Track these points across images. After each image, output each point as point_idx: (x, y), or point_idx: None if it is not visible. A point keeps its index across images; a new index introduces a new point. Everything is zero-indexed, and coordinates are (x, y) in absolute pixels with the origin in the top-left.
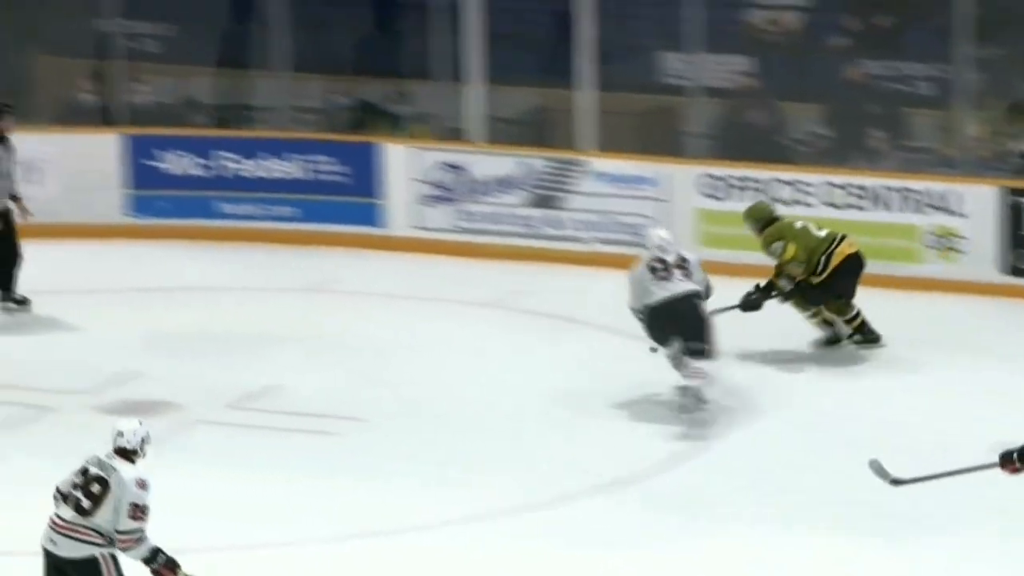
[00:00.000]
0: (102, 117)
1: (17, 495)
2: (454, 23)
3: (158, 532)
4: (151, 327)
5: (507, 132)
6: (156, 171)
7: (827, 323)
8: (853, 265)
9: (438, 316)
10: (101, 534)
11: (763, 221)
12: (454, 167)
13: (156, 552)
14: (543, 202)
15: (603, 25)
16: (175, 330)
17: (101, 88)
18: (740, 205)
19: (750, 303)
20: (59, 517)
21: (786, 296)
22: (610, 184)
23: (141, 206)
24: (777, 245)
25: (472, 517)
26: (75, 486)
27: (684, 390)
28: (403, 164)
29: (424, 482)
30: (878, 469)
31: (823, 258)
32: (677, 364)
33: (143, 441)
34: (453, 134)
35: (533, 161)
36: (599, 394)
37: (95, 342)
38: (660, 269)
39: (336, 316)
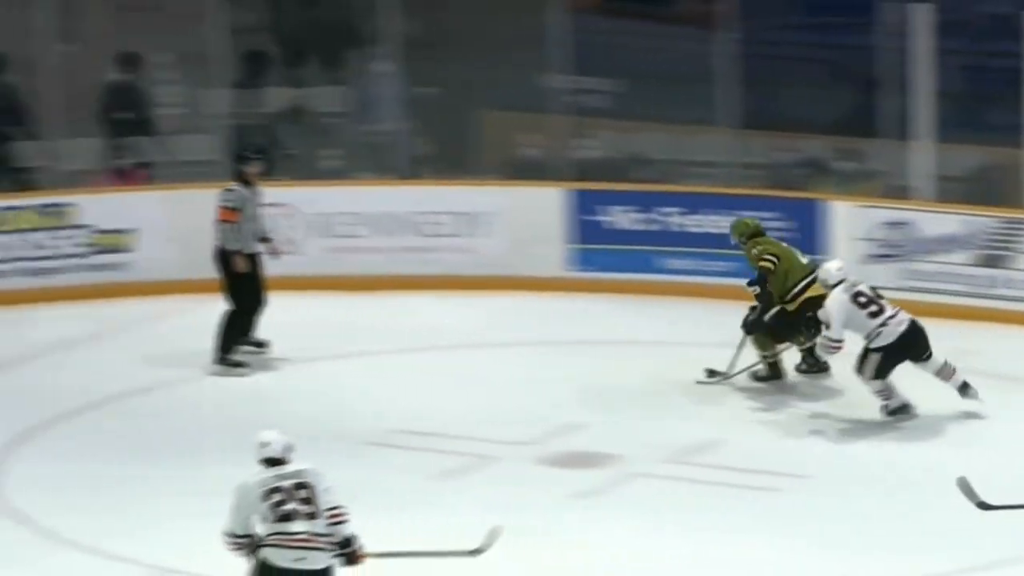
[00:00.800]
0: (547, 172)
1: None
2: (902, 81)
3: None
4: (593, 380)
5: (954, 190)
6: (599, 225)
7: (774, 364)
8: (819, 304)
9: None
10: (329, 536)
11: (747, 235)
12: (900, 225)
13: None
14: (991, 261)
15: None
16: (616, 383)
17: (546, 143)
18: None
19: (747, 324)
20: (296, 535)
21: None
22: None
23: (584, 260)
24: (757, 248)
25: None
26: (280, 504)
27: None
28: (847, 221)
29: (859, 541)
30: (966, 489)
31: (801, 284)
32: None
33: (286, 448)
34: (898, 192)
35: (981, 220)
36: None
37: (538, 394)
38: (868, 303)
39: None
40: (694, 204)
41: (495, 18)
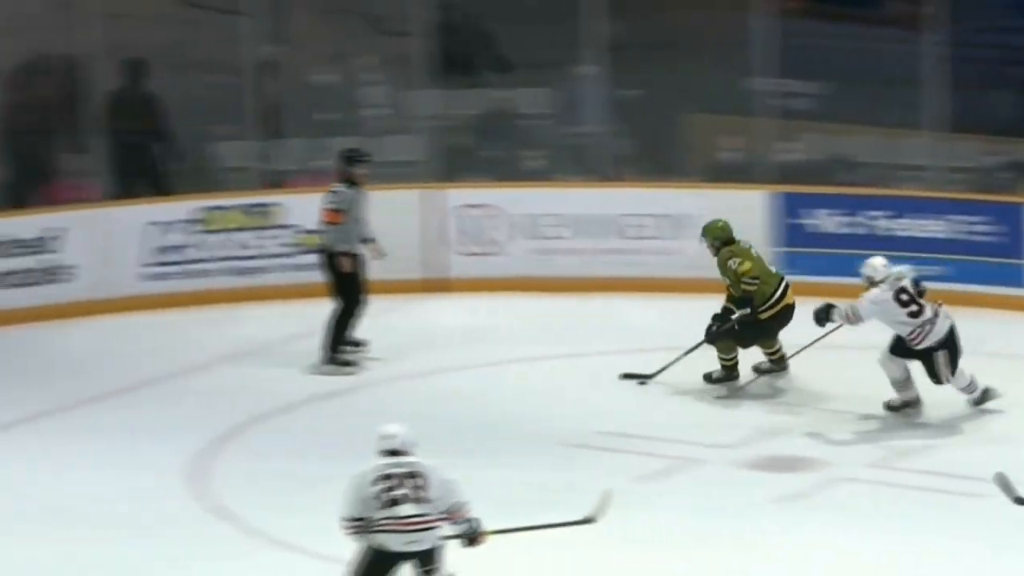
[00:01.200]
0: (751, 174)
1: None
2: None
3: None
4: (797, 384)
5: None
6: (804, 229)
7: (732, 368)
8: (790, 314)
9: None
10: (438, 516)
11: (722, 239)
12: None
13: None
14: None
15: None
16: (821, 387)
17: (749, 145)
18: None
19: (712, 335)
20: (406, 519)
21: (737, 323)
22: None
23: (788, 263)
24: (733, 261)
25: None
26: (390, 488)
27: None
28: None
29: None
30: (1003, 484)
31: (776, 294)
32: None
33: (407, 443)
34: None
35: None
36: None
37: (742, 397)
38: (909, 301)
39: (984, 379)
40: (901, 208)
41: (701, 21)
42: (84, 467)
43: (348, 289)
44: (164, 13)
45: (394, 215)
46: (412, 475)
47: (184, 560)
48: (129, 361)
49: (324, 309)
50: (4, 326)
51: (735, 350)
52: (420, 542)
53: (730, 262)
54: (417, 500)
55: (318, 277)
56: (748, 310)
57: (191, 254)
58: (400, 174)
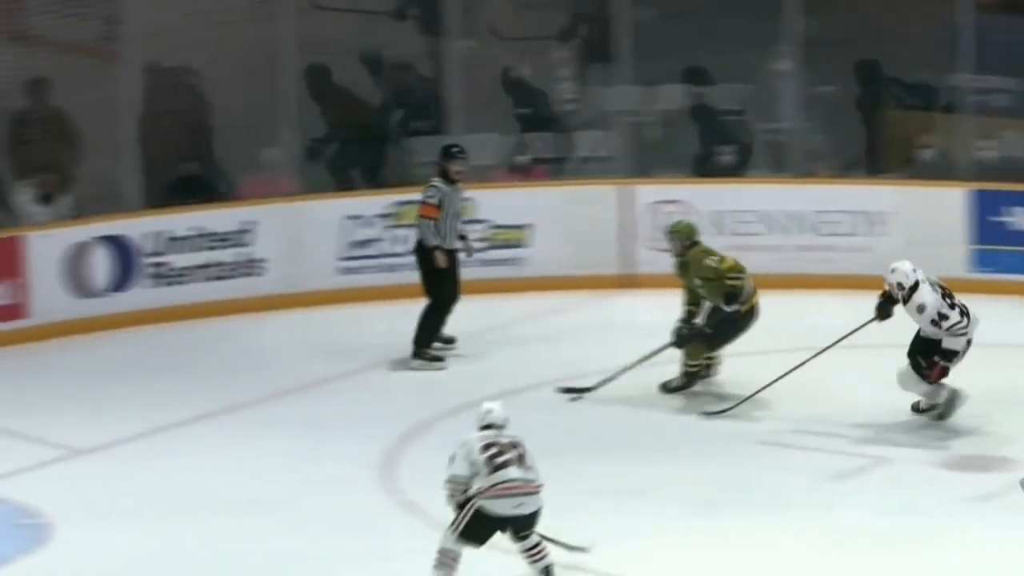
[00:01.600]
0: (948, 171)
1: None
2: None
3: None
4: (993, 383)
5: None
6: (1003, 227)
7: (694, 376)
8: (758, 309)
9: None
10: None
11: (691, 240)
12: None
13: None
14: None
15: None
16: (1015, 386)
17: (948, 142)
18: None
19: (684, 338)
20: (513, 482)
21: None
22: None
23: (986, 261)
24: (713, 259)
25: None
26: (498, 455)
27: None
28: None
29: None
30: None
31: (749, 289)
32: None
33: (504, 419)
34: None
35: None
36: None
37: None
38: (952, 305)
39: None
40: None
41: (898, 17)
42: (276, 459)
43: (441, 285)
44: (356, 9)
45: (585, 211)
46: (514, 444)
47: (378, 553)
48: (320, 354)
49: (513, 304)
50: (199, 319)
51: (701, 356)
52: (525, 505)
53: (708, 261)
54: (522, 467)
55: (507, 272)
56: (737, 307)
57: (384, 248)
58: (593, 169)
